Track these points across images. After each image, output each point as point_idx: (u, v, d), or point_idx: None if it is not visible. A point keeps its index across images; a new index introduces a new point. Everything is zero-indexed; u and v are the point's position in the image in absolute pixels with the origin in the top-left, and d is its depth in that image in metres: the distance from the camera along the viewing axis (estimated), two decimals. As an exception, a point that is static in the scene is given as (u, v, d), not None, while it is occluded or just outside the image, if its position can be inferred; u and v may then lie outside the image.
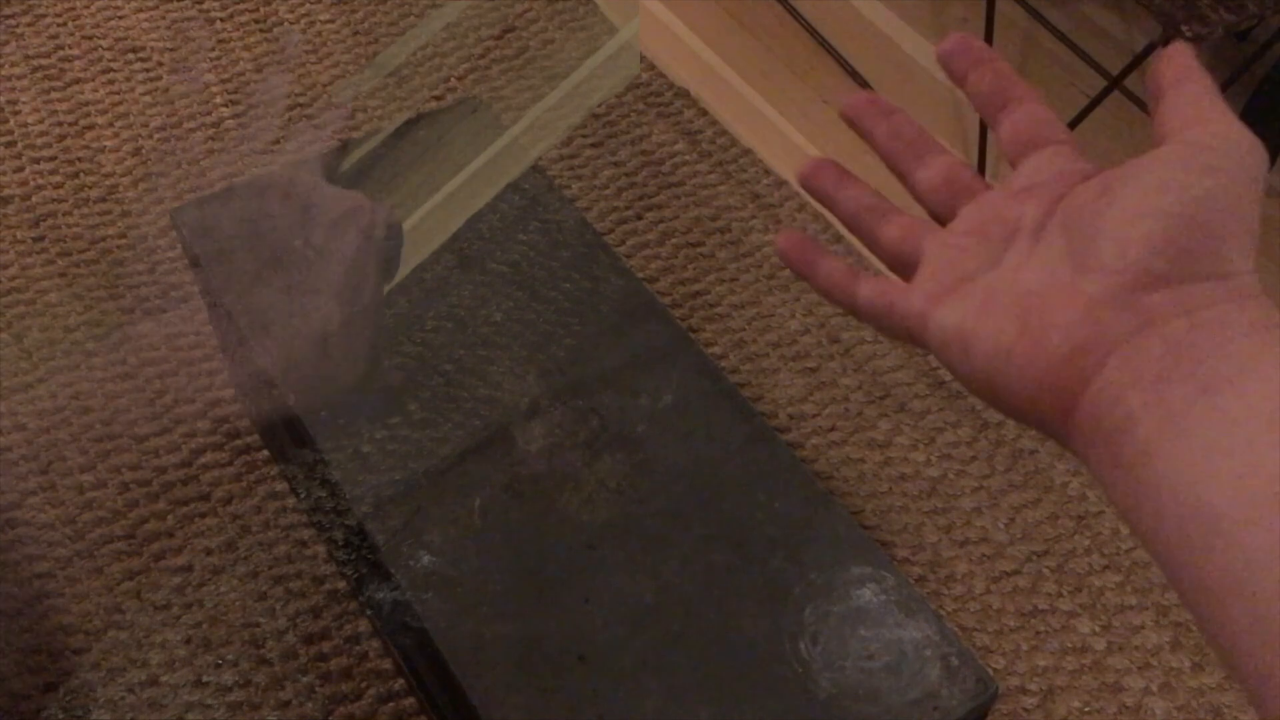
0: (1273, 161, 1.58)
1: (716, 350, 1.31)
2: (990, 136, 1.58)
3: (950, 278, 0.39)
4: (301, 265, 0.93)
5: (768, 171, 1.50)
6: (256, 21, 1.61)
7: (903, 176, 0.44)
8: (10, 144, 1.45)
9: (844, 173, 0.45)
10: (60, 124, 1.47)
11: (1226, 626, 0.29)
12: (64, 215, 1.38)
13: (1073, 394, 0.34)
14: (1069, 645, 1.12)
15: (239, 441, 1.20)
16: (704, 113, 1.56)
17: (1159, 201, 0.34)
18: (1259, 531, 0.28)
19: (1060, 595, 1.15)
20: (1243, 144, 0.35)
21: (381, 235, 0.94)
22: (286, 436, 0.99)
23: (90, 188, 1.41)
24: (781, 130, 1.58)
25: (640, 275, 1.32)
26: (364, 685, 1.04)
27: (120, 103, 1.50)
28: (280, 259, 0.97)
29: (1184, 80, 0.37)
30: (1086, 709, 1.08)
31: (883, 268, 0.43)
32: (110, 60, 1.55)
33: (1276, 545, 0.28)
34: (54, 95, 1.50)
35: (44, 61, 1.54)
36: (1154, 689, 1.09)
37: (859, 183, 0.45)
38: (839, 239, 1.43)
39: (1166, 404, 0.32)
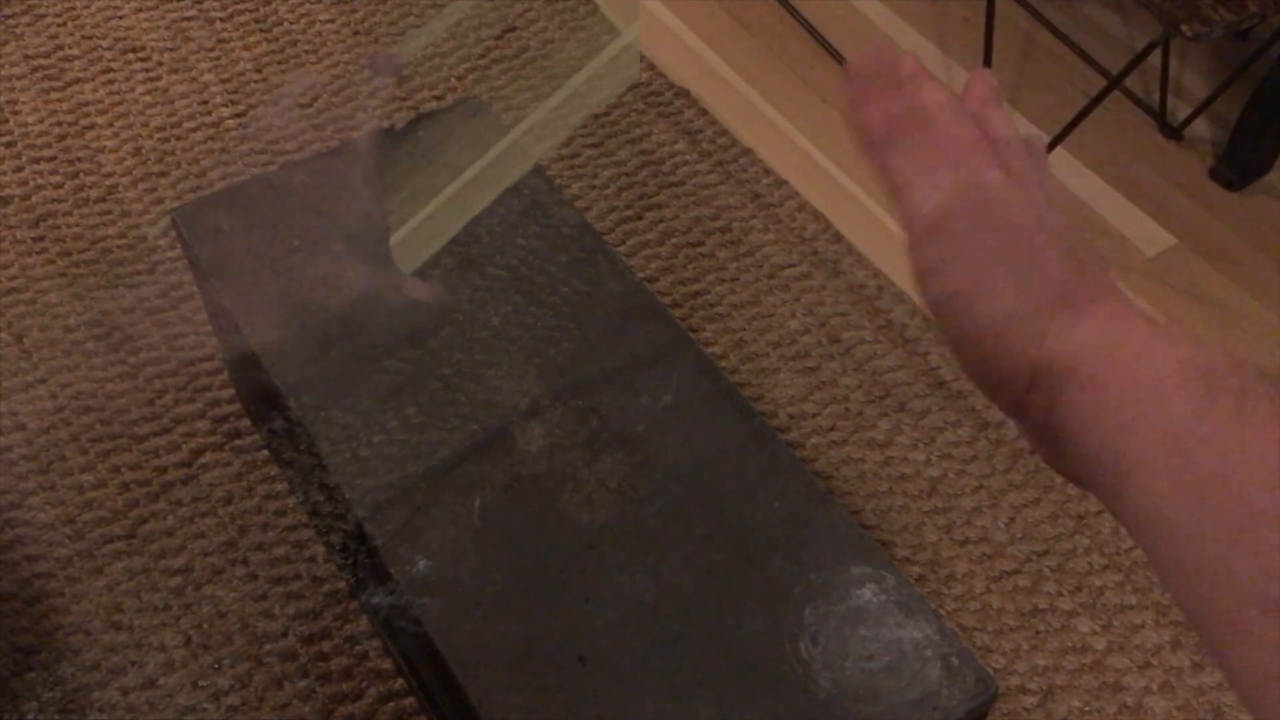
0: (1273, 162, 1.58)
1: (716, 350, 1.31)
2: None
3: None
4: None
5: (768, 171, 1.50)
6: (256, 21, 1.61)
7: None
8: (10, 144, 1.45)
9: None
10: (60, 124, 1.47)
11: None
12: (64, 215, 1.38)
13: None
14: (1069, 645, 1.12)
15: (239, 441, 1.20)
16: (704, 112, 1.56)
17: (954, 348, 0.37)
18: (1209, 636, 0.30)
19: (1060, 595, 1.15)
20: (919, 253, 0.36)
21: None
22: (286, 437, 0.99)
23: (90, 188, 1.41)
24: (781, 130, 1.58)
25: (640, 275, 1.32)
26: (364, 685, 1.04)
27: (120, 103, 1.50)
28: (282, 257, 0.97)
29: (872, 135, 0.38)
30: (1086, 708, 1.08)
31: None
32: (110, 60, 1.55)
33: (1230, 660, 0.30)
34: (54, 95, 1.50)
35: (44, 61, 1.54)
36: (1154, 688, 1.09)
37: None
38: (839, 238, 1.43)
39: (1113, 496, 0.33)
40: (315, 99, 1.53)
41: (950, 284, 0.35)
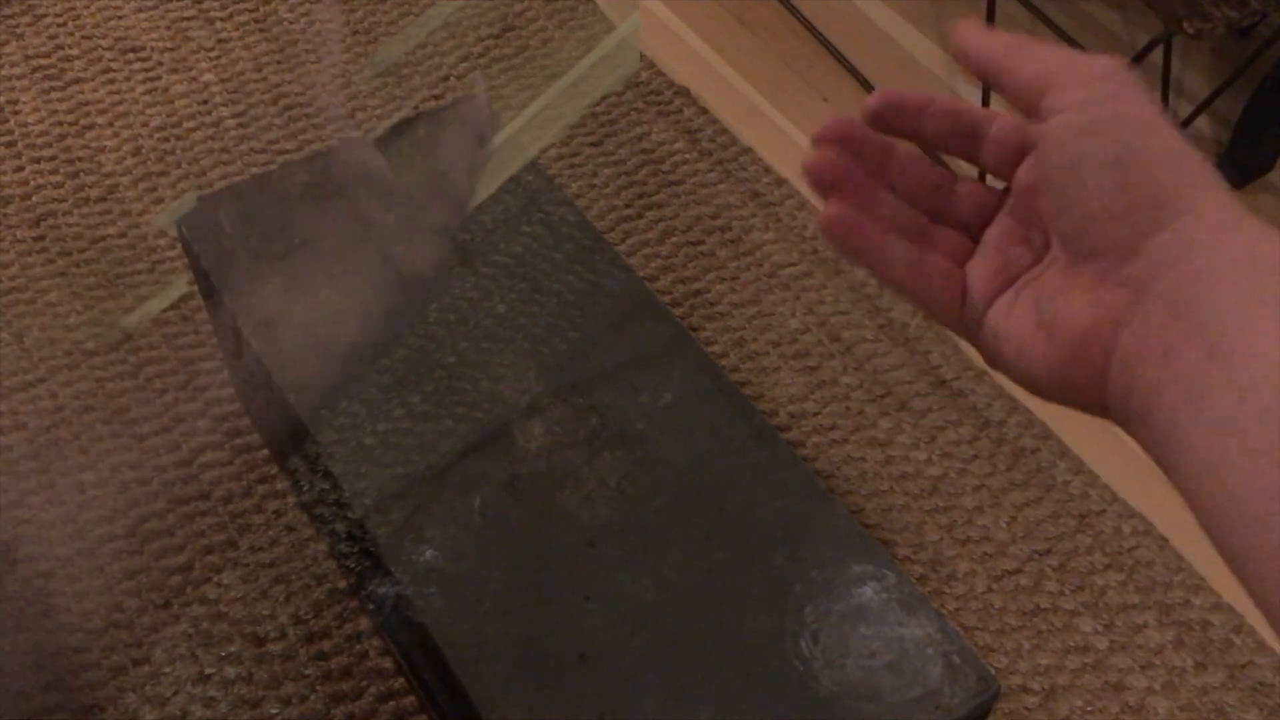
0: (1275, 160, 1.58)
1: (717, 349, 1.31)
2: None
3: (999, 282, 0.40)
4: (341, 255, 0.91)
5: (768, 170, 1.50)
6: (256, 21, 1.61)
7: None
8: (10, 144, 1.45)
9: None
10: (60, 124, 1.47)
11: (1267, 599, 0.29)
12: (64, 215, 1.38)
13: (1098, 378, 0.35)
14: (1071, 644, 1.11)
15: (239, 441, 1.20)
16: (704, 111, 1.56)
17: (1085, 182, 0.34)
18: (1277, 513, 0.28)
19: (1062, 594, 1.14)
20: (1097, 85, 0.35)
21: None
22: (287, 432, 0.99)
23: (90, 187, 1.41)
24: (781, 129, 1.58)
25: (640, 274, 1.32)
26: (364, 684, 1.04)
27: (120, 102, 1.50)
28: (282, 257, 0.97)
29: (998, 52, 0.37)
30: (1089, 708, 1.08)
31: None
32: (110, 60, 1.54)
33: None
34: (54, 95, 1.50)
35: (44, 61, 1.54)
36: (1156, 688, 1.09)
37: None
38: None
39: (1180, 373, 0.32)
40: (315, 98, 1.53)
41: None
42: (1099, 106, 0.34)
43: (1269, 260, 0.32)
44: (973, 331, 0.40)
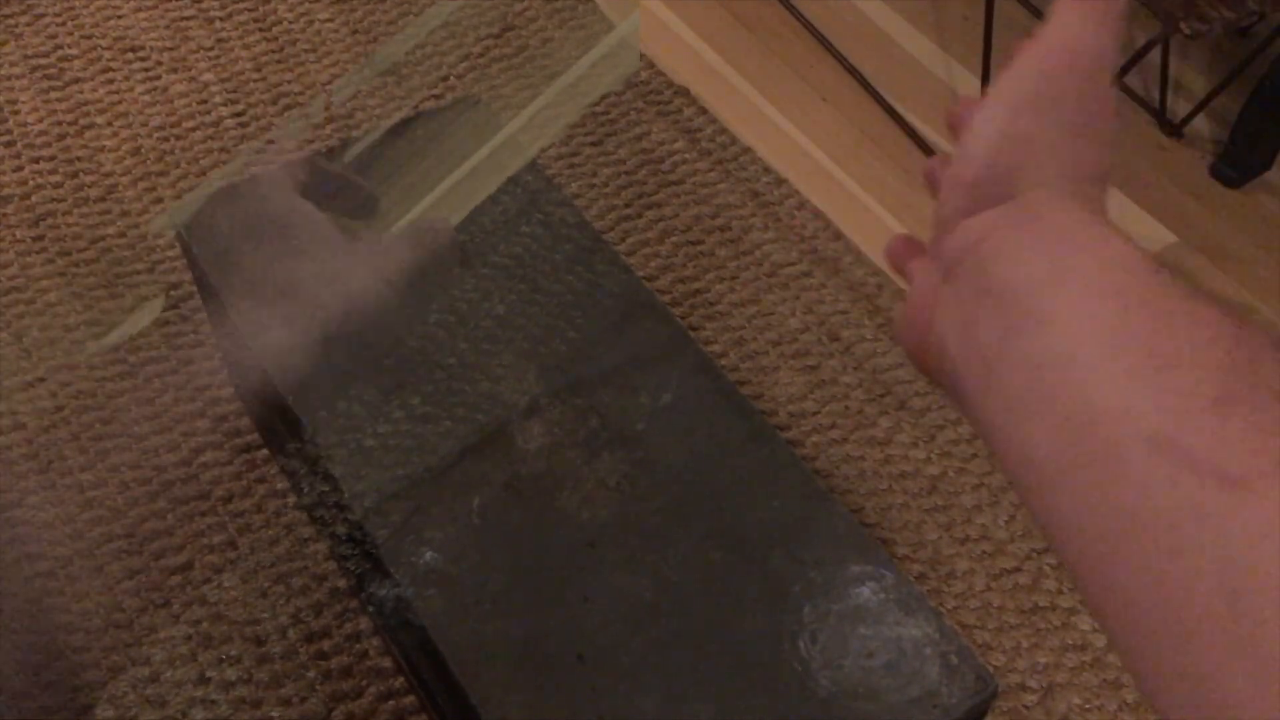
0: (1273, 160, 1.58)
1: (716, 348, 1.31)
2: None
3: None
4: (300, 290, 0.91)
5: (767, 170, 1.50)
6: (255, 21, 1.61)
7: None
8: (10, 144, 1.45)
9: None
10: (60, 123, 1.47)
11: (1070, 561, 0.30)
12: (64, 215, 1.38)
13: (925, 356, 0.36)
14: (1069, 642, 1.12)
15: (239, 440, 1.20)
16: (703, 111, 1.56)
17: (975, 151, 0.35)
18: (1075, 477, 0.29)
19: (1060, 592, 1.15)
20: (1062, 44, 0.35)
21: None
22: (286, 432, 0.99)
23: (90, 187, 1.41)
24: (781, 128, 1.58)
25: (640, 273, 1.32)
26: (364, 684, 1.04)
27: (120, 102, 1.50)
28: (279, 258, 0.97)
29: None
30: (1087, 706, 1.08)
31: None
32: (110, 60, 1.55)
33: (1092, 490, 0.28)
34: (53, 95, 1.50)
35: (43, 61, 1.54)
36: (1154, 686, 1.09)
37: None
38: (838, 237, 1.43)
39: (980, 352, 0.32)
40: (314, 98, 1.53)
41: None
42: (1043, 81, 0.35)
43: (1069, 234, 0.32)
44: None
